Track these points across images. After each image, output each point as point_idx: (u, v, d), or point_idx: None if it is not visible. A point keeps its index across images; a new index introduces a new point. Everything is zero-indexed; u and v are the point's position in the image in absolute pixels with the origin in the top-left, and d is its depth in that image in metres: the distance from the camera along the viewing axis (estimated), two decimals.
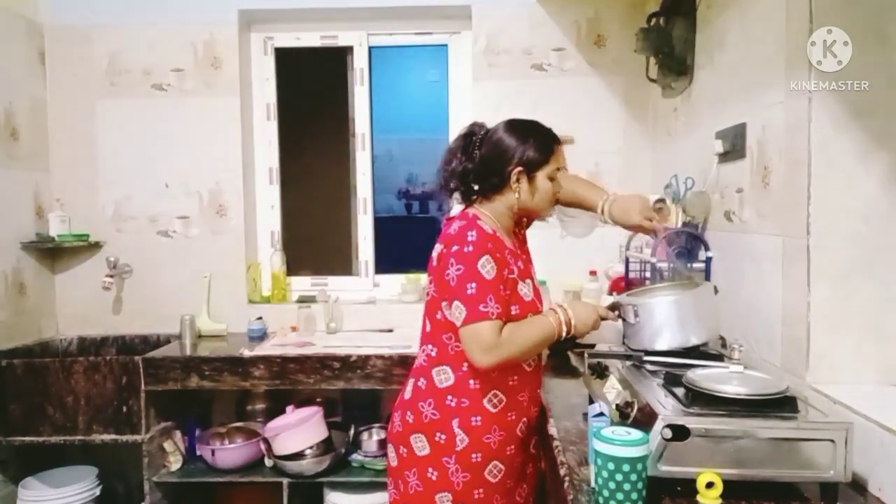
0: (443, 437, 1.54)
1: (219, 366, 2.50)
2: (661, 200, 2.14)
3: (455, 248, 1.48)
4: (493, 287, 1.45)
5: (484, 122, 1.62)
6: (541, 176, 1.56)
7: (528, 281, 1.60)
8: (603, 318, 1.60)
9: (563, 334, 1.53)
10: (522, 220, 1.71)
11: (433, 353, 1.59)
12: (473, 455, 1.53)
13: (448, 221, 1.58)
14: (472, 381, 1.54)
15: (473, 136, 1.58)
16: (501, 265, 1.48)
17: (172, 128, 2.92)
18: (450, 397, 1.54)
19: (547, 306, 1.60)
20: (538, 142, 1.55)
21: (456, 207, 1.68)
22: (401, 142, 5.12)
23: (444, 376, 1.56)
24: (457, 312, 1.45)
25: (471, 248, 1.46)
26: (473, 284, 1.44)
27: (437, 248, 1.56)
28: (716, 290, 1.62)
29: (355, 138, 3.11)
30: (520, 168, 1.53)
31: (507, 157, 1.53)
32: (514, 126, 1.58)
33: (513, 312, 1.51)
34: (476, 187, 1.58)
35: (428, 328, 1.61)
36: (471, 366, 1.51)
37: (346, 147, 3.22)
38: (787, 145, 1.52)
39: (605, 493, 1.09)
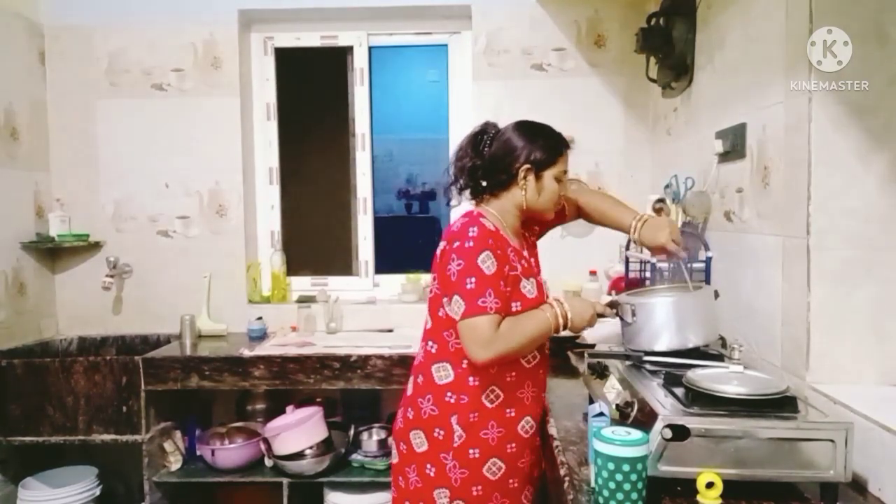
0: (441, 433, 1.55)
1: (219, 366, 2.50)
2: (661, 200, 2.15)
3: (456, 243, 1.49)
4: (493, 282, 1.45)
5: (496, 122, 1.65)
6: (548, 176, 1.58)
7: (533, 279, 1.60)
8: (600, 315, 1.60)
9: (560, 328, 1.53)
10: (534, 227, 1.73)
11: (433, 350, 1.59)
12: (471, 451, 1.53)
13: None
14: (471, 378, 1.54)
15: (484, 135, 1.61)
16: (502, 261, 1.49)
17: (172, 128, 2.92)
18: (449, 394, 1.55)
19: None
20: (546, 143, 1.58)
21: (465, 206, 1.70)
22: (401, 142, 5.11)
23: (443, 373, 1.56)
24: (456, 307, 1.46)
25: (471, 244, 1.47)
26: (473, 279, 1.45)
27: (441, 245, 1.57)
28: (717, 295, 1.61)
29: (355, 138, 3.11)
30: (528, 166, 1.55)
31: (515, 154, 1.56)
32: (524, 126, 1.60)
33: (514, 309, 1.51)
34: (484, 184, 1.60)
35: (429, 325, 1.62)
36: (471, 362, 1.51)
37: (346, 147, 3.22)
38: (787, 145, 1.52)
39: (605, 493, 1.09)
